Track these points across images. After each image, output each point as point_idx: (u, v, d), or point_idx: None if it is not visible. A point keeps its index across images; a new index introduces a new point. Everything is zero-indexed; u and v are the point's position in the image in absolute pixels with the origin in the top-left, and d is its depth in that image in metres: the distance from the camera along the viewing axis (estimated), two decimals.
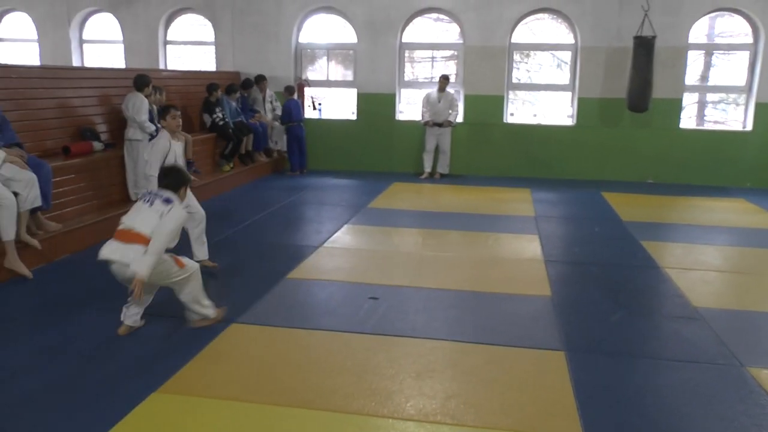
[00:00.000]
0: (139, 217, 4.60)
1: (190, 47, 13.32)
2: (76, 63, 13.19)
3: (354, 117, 12.49)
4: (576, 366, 4.29)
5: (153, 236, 4.45)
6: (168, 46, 13.11)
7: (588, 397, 3.89)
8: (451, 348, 4.57)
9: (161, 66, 12.88)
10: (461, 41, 12.06)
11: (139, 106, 7.94)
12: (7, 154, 5.80)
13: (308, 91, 12.70)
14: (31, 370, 4.17)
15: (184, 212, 4.80)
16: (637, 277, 6.34)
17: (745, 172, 11.49)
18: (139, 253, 4.40)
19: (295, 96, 12.00)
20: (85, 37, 13.47)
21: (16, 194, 5.74)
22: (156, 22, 12.75)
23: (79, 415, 3.59)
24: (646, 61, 10.74)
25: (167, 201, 4.66)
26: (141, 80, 8.11)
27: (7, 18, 13.75)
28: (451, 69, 12.45)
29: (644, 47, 10.72)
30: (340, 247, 7.16)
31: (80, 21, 13.32)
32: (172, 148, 6.10)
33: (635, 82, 10.85)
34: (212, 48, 12.83)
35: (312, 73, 12.84)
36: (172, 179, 4.86)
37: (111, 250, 4.51)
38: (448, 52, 12.62)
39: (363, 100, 12.30)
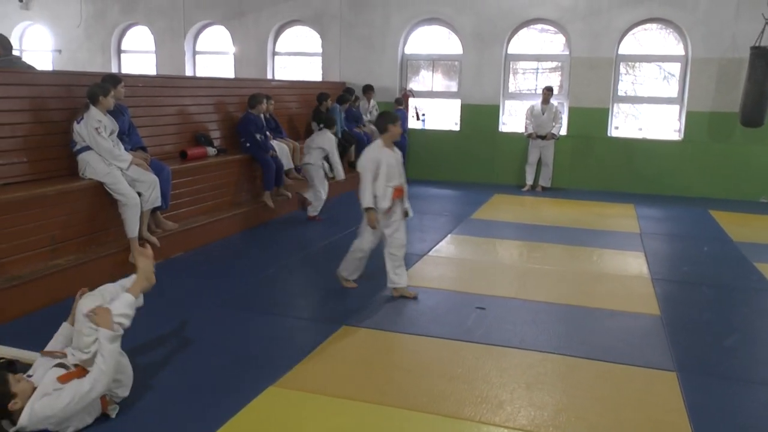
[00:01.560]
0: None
1: (296, 58, 13.78)
2: (188, 73, 13.93)
3: (457, 128, 12.60)
4: (689, 388, 4.23)
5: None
6: (276, 57, 13.63)
7: (703, 420, 3.83)
8: (560, 361, 4.60)
9: (269, 76, 13.40)
10: (566, 52, 11.98)
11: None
12: (134, 157, 6.27)
13: (413, 102, 12.89)
14: (152, 358, 4.47)
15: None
16: (752, 300, 6.15)
17: None
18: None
19: (402, 107, 12.24)
20: (198, 48, 14.21)
21: (139, 194, 6.21)
22: (266, 34, 13.31)
23: (197, 405, 3.83)
24: (763, 73, 10.32)
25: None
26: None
27: (130, 32, 14.67)
28: (555, 81, 12.36)
29: (762, 58, 10.30)
30: (444, 257, 7.28)
31: (194, 33, 14.05)
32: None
33: (750, 95, 10.45)
34: (317, 59, 13.25)
35: (416, 84, 13.04)
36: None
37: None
38: (553, 64, 12.55)
39: (466, 110, 12.40)
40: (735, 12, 10.93)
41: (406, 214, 5.85)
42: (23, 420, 3.25)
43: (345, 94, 11.49)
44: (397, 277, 5.80)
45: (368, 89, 12.18)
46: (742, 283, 6.63)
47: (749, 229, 9.05)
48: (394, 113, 6.14)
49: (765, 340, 5.27)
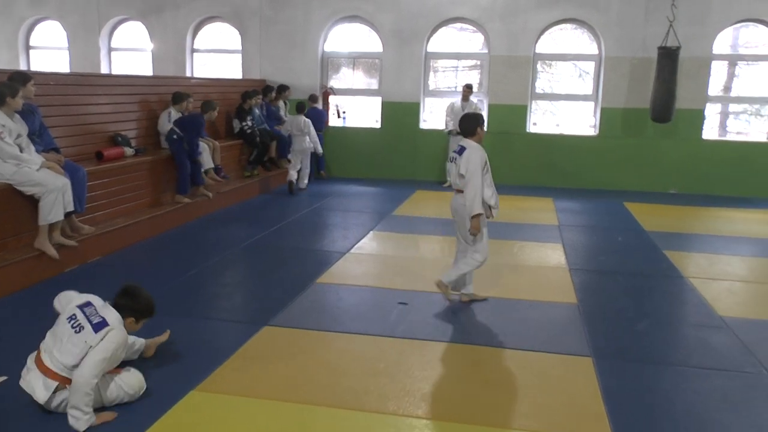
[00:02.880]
0: (57, 346, 3.66)
1: (216, 55, 13.52)
2: (104, 71, 13.47)
3: (378, 125, 12.64)
4: (604, 372, 4.38)
5: (74, 378, 3.52)
6: (195, 54, 13.34)
7: (617, 402, 3.98)
8: (482, 352, 4.67)
9: (188, 73, 13.11)
10: (486, 51, 12.18)
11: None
12: (46, 160, 6.00)
13: (333, 100, 12.85)
14: None
15: (123, 333, 3.72)
16: (662, 287, 6.41)
17: None
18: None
19: (320, 104, 12.18)
20: (114, 45, 13.75)
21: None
22: (184, 31, 13.00)
23: (119, 412, 3.70)
24: (670, 72, 10.79)
25: (100, 326, 3.63)
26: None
27: (39, 27, 14.05)
28: (474, 78, 12.56)
29: (669, 58, 10.78)
30: (366, 253, 7.28)
31: (110, 29, 13.59)
32: None
33: (659, 92, 10.91)
34: (238, 56, 13.04)
35: (337, 82, 13.00)
36: (129, 302, 3.83)
37: (27, 382, 3.67)
38: (472, 62, 12.74)
39: (387, 108, 12.46)
40: (644, 14, 11.38)
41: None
42: None
43: (256, 91, 11.32)
44: (454, 273, 5.64)
45: (284, 89, 12.08)
46: (653, 271, 6.90)
47: (660, 219, 9.44)
48: (482, 115, 5.79)
49: (674, 323, 5.50)
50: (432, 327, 5.13)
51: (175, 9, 12.93)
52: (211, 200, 8.97)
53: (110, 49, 13.72)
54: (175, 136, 8.40)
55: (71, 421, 3.50)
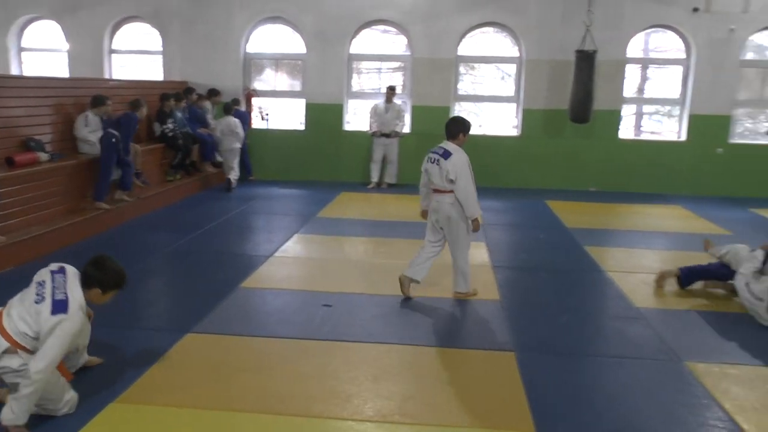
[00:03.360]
0: (18, 309, 3.63)
1: (136, 56, 13.13)
2: (14, 72, 12.88)
3: (302, 127, 12.54)
4: (526, 365, 4.47)
5: (32, 373, 3.40)
6: (113, 55, 12.93)
7: (538, 394, 4.07)
8: (406, 351, 4.69)
9: (106, 75, 12.69)
10: (409, 53, 12.26)
11: None
12: None
13: (256, 102, 12.69)
14: None
15: (79, 321, 3.60)
16: (582, 281, 6.60)
17: (680, 179, 11.99)
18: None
19: (242, 106, 12.01)
20: (24, 45, 13.17)
21: None
22: (101, 31, 12.57)
23: (36, 427, 3.55)
24: (587, 74, 11.11)
25: (58, 308, 3.52)
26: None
27: None
28: (398, 80, 12.63)
29: (586, 60, 11.10)
30: (291, 256, 7.21)
31: (20, 28, 13.01)
32: None
33: (577, 94, 11.22)
34: (159, 57, 12.71)
35: (260, 84, 12.84)
36: (96, 273, 3.77)
37: None
38: (396, 64, 12.81)
39: (311, 110, 12.38)
40: (561, 19, 11.69)
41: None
42: None
43: (179, 93, 11.07)
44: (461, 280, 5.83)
45: (214, 93, 11.86)
46: (574, 266, 7.09)
47: (580, 216, 9.71)
48: (469, 122, 5.96)
49: (594, 316, 5.67)
50: (357, 328, 5.11)
51: (92, 8, 12.48)
52: (133, 206, 8.70)
53: (20, 49, 13.13)
54: (113, 140, 8.18)
55: (6, 413, 3.39)
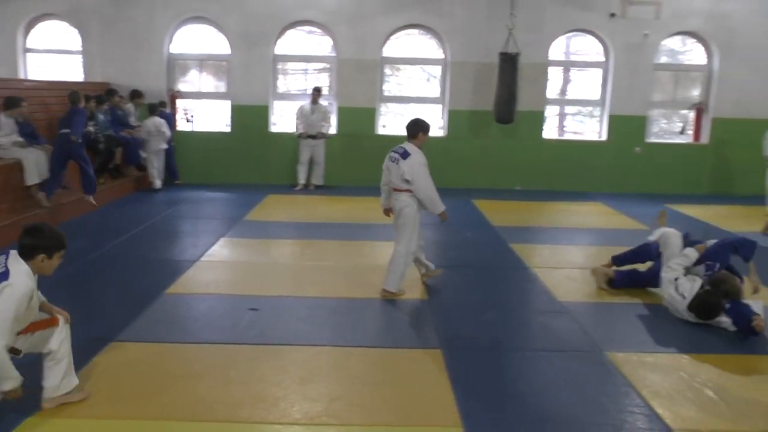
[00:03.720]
0: None
1: (54, 56, 12.61)
2: None
3: (228, 129, 12.34)
4: (452, 362, 4.52)
5: None
6: (28, 55, 12.40)
7: (465, 389, 4.12)
8: (333, 353, 4.67)
9: (21, 75, 12.16)
10: (334, 54, 12.24)
11: None
12: None
13: (181, 103, 12.43)
14: None
15: (25, 287, 3.53)
16: (508, 278, 6.72)
17: (601, 177, 12.38)
18: None
19: (167, 108, 11.73)
20: None
21: None
22: (14, 29, 12.02)
23: None
24: (511, 76, 11.35)
25: (0, 278, 3.51)
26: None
27: None
28: (324, 81, 12.58)
29: (509, 63, 11.33)
30: (218, 261, 7.08)
31: None
32: None
33: (501, 95, 11.43)
34: (79, 57, 12.24)
35: (184, 85, 12.58)
36: (33, 240, 3.63)
37: None
38: (321, 65, 12.76)
39: (237, 111, 12.19)
40: (485, 22, 11.89)
41: None
42: None
43: (101, 95, 10.73)
44: (392, 278, 5.90)
45: (137, 95, 11.54)
46: (499, 263, 7.22)
47: (506, 215, 9.90)
48: (428, 123, 6.11)
49: (519, 311, 5.78)
50: (284, 331, 5.06)
51: (3, 5, 11.92)
52: (52, 211, 8.35)
53: None
54: (81, 140, 8.16)
55: None
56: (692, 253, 5.87)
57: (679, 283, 5.59)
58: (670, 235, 6.26)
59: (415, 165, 5.77)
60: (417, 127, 6.00)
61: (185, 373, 4.29)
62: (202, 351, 4.66)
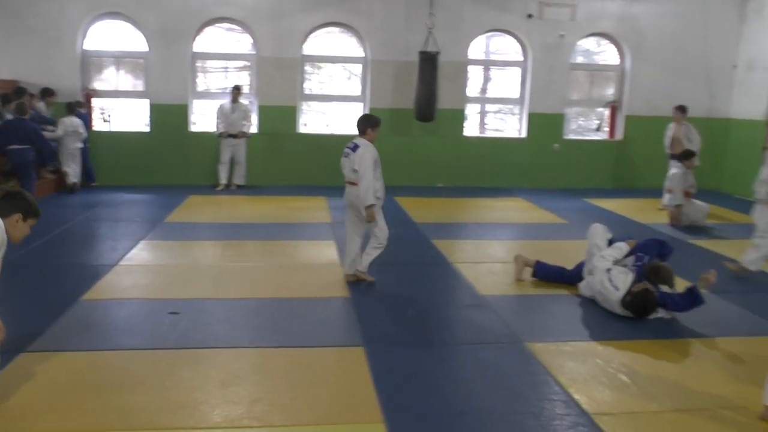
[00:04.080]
0: None
1: None
2: None
3: (147, 129, 12.02)
4: (375, 359, 4.55)
5: None
6: None
7: (387, 385, 4.16)
8: (255, 354, 4.64)
9: None
10: (254, 52, 12.10)
11: None
12: None
13: (97, 102, 12.03)
14: None
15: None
16: (430, 274, 6.81)
17: (521, 173, 12.69)
18: None
19: (82, 109, 11.33)
20: None
21: None
22: None
23: None
24: (431, 75, 11.48)
25: None
26: None
27: None
28: (244, 80, 12.42)
29: (429, 62, 11.47)
30: (137, 264, 6.89)
31: None
32: None
33: (422, 93, 11.56)
34: None
35: (100, 83, 12.18)
36: (12, 201, 3.88)
37: None
38: (242, 63, 12.59)
39: (156, 111, 11.88)
40: (404, 21, 11.99)
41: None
42: None
43: (6, 95, 10.28)
44: (367, 259, 6.29)
45: (46, 93, 11.08)
46: (421, 260, 7.32)
47: (429, 212, 10.02)
48: (377, 118, 6.39)
49: (441, 306, 5.87)
50: (205, 334, 4.98)
51: None
52: None
53: None
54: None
55: None
56: (624, 247, 6.07)
57: (613, 275, 5.72)
58: (597, 226, 6.47)
59: (364, 157, 6.04)
60: (365, 124, 6.25)
61: (102, 381, 4.16)
62: (119, 358, 4.53)
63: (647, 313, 5.51)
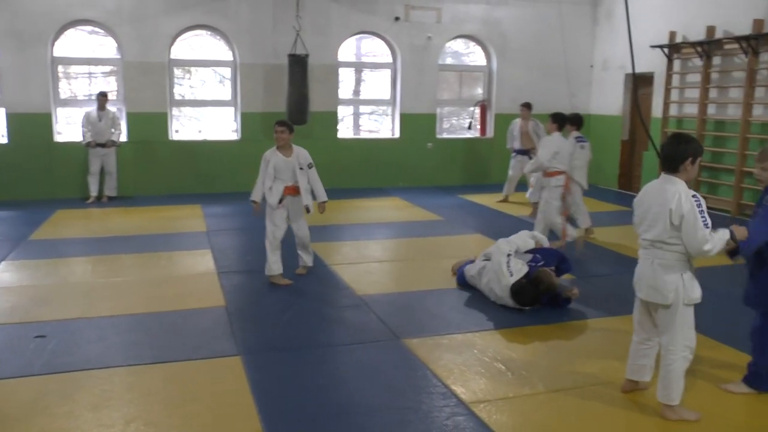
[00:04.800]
0: None
1: None
2: None
3: (4, 140, 11.24)
4: (252, 367, 4.54)
5: None
6: None
7: (265, 392, 4.16)
8: (128, 373, 4.49)
9: None
10: (119, 56, 11.63)
11: None
12: None
13: None
14: None
15: None
16: (307, 277, 6.84)
17: (397, 173, 12.95)
18: None
19: None
20: None
21: None
22: None
23: None
24: (301, 77, 11.48)
25: None
26: None
27: None
28: (111, 85, 11.91)
29: (299, 64, 11.46)
30: None
31: None
32: None
33: (293, 96, 11.53)
34: None
35: None
36: None
37: None
38: (107, 68, 12.08)
39: (14, 121, 11.10)
40: (272, 24, 11.91)
41: (307, 209, 6.76)
42: None
43: None
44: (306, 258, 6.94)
45: None
46: (298, 264, 7.22)
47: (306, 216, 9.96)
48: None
49: (318, 309, 5.89)
50: (74, 356, 4.75)
51: None
52: None
53: None
54: None
55: None
56: (530, 242, 6.37)
57: (511, 260, 5.94)
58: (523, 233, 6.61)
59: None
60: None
61: None
62: None
63: (531, 303, 5.75)
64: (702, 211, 3.64)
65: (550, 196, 7.79)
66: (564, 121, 8.06)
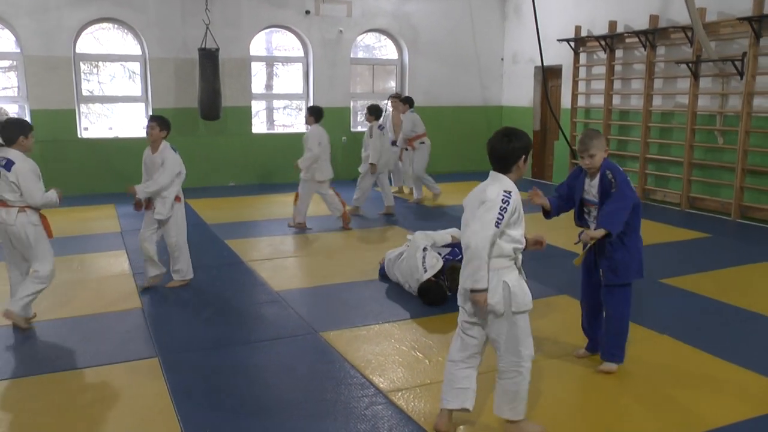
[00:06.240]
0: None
1: None
2: None
3: None
4: (170, 368, 4.50)
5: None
6: None
7: (184, 393, 4.13)
8: (32, 383, 4.33)
9: None
10: (19, 50, 11.13)
11: None
12: None
13: None
14: None
15: (31, 162, 5.12)
16: (224, 275, 6.80)
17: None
18: None
19: None
20: None
21: None
22: None
23: None
24: (212, 72, 11.31)
25: (8, 166, 4.99)
26: None
27: None
28: (12, 81, 11.38)
29: (209, 59, 11.29)
30: None
31: None
32: None
33: (205, 91, 11.35)
34: None
35: None
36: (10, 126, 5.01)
37: None
38: (6, 63, 11.54)
39: None
40: (181, 17, 11.68)
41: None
42: None
43: None
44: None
45: None
46: (216, 261, 7.27)
47: (220, 212, 9.94)
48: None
49: (236, 306, 5.87)
50: None
51: None
52: None
53: None
54: None
55: None
56: (448, 237, 6.41)
57: (427, 254, 5.99)
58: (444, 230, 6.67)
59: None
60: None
61: None
62: None
63: (436, 304, 5.80)
64: (504, 210, 3.33)
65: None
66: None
